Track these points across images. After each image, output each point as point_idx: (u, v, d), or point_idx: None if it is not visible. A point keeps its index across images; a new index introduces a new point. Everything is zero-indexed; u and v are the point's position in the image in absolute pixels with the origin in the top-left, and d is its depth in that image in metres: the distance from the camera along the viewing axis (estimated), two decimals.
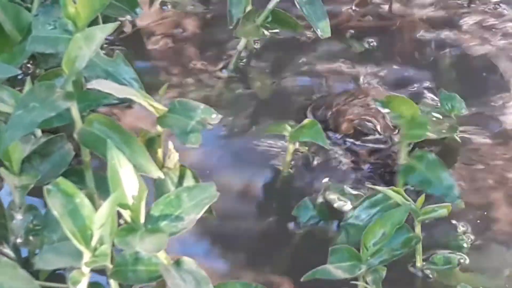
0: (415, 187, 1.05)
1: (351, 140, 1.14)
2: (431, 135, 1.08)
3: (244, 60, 1.27)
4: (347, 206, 1.08)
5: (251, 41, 1.27)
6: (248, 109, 1.22)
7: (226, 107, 1.21)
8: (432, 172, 1.05)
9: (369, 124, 1.14)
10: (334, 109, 1.16)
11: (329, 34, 1.15)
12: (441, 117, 1.11)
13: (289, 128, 1.13)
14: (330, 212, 1.09)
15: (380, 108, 1.07)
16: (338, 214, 1.08)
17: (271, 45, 1.29)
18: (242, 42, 1.24)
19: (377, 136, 1.13)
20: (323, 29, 1.16)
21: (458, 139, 1.15)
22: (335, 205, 1.09)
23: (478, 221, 1.08)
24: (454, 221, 1.08)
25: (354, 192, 1.09)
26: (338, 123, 1.15)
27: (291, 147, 1.12)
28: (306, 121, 1.10)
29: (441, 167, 1.05)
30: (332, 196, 1.09)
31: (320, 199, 1.09)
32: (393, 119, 1.06)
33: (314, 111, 1.18)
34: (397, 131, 1.12)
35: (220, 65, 1.26)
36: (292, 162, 1.14)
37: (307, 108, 1.18)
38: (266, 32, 1.23)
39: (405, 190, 1.01)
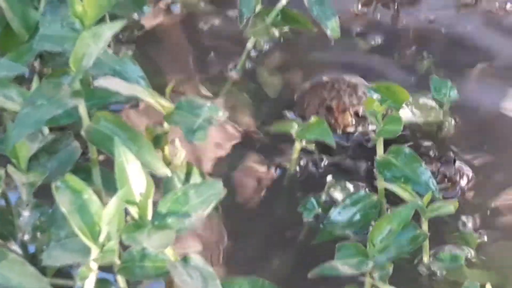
0: (391, 181, 1.04)
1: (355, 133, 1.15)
2: (420, 120, 1.08)
3: (254, 60, 1.27)
4: None
5: (261, 41, 1.27)
6: (255, 107, 1.22)
7: (234, 106, 1.22)
8: (409, 167, 1.05)
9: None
10: (324, 106, 1.16)
11: (339, 34, 1.16)
12: (433, 103, 1.10)
13: (295, 126, 1.13)
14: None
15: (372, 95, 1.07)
16: None
17: (280, 45, 1.29)
18: (251, 41, 1.24)
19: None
20: (333, 28, 1.16)
21: (452, 126, 1.16)
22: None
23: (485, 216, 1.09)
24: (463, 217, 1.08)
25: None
26: (334, 117, 1.16)
27: (297, 145, 1.13)
28: (313, 119, 1.10)
29: (418, 161, 1.04)
30: (337, 194, 1.09)
31: (324, 197, 1.10)
32: (368, 115, 1.05)
33: (299, 109, 1.18)
34: None
35: (230, 65, 1.26)
36: (301, 162, 1.14)
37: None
38: (276, 33, 1.23)
39: None
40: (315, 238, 1.08)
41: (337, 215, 1.06)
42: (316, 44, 1.28)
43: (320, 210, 1.09)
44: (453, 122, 1.18)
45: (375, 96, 1.04)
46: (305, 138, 1.11)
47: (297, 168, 1.14)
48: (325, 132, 1.08)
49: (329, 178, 1.10)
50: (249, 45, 1.25)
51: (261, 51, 1.28)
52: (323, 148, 1.13)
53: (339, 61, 1.26)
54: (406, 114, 1.06)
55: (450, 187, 1.10)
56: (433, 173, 1.05)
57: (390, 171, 1.04)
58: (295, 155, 1.13)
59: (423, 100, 1.07)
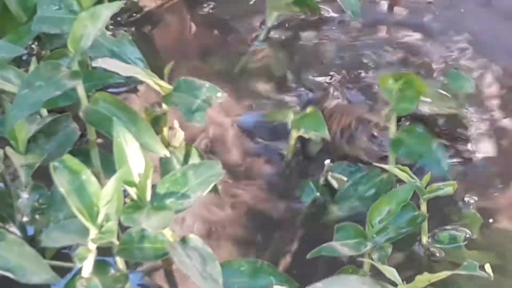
0: (405, 160, 1.05)
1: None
2: (435, 109, 1.08)
3: (263, 36, 1.26)
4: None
5: (274, 16, 1.26)
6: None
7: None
8: (422, 145, 1.05)
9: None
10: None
11: (359, 17, 1.16)
12: (448, 95, 1.10)
13: (291, 116, 1.13)
14: (332, 193, 1.09)
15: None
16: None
17: (287, 23, 1.29)
18: (272, 16, 1.23)
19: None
20: (354, 11, 1.17)
21: (467, 116, 1.16)
22: (338, 186, 1.09)
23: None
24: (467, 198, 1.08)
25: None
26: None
27: (294, 133, 1.12)
28: (309, 109, 1.10)
29: (431, 140, 1.05)
30: (335, 176, 1.09)
31: (322, 180, 1.09)
32: (383, 93, 1.05)
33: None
34: None
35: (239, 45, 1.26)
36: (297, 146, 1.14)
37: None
38: (296, 8, 1.23)
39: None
40: (313, 221, 1.08)
41: (350, 189, 1.06)
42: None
43: (318, 193, 1.09)
44: (468, 113, 1.18)
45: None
46: (300, 129, 1.11)
47: (295, 155, 1.13)
48: (320, 125, 1.08)
49: (327, 161, 1.09)
50: (269, 21, 1.24)
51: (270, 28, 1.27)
52: None
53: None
54: (422, 105, 1.07)
55: (463, 163, 1.11)
56: (446, 148, 1.06)
57: (403, 150, 1.04)
58: (292, 141, 1.12)
59: (438, 91, 1.08)
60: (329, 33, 1.27)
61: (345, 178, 1.09)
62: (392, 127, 1.06)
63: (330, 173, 1.09)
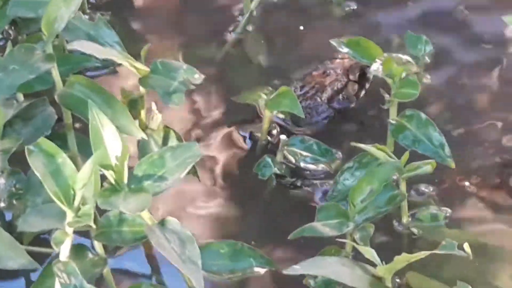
0: (407, 146, 1.04)
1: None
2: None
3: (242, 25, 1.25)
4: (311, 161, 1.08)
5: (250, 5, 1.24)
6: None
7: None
8: (423, 131, 1.04)
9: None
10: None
11: None
12: (409, 58, 1.09)
13: (264, 96, 1.11)
14: (290, 168, 1.09)
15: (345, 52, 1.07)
16: (300, 170, 1.08)
17: (267, 11, 1.27)
18: (255, 1, 1.22)
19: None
20: None
21: (428, 79, 1.16)
22: (302, 164, 1.09)
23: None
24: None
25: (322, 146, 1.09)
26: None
27: (267, 115, 1.10)
28: (281, 89, 1.08)
29: (432, 126, 1.04)
30: (293, 151, 1.08)
31: (279, 156, 1.08)
32: (385, 77, 1.04)
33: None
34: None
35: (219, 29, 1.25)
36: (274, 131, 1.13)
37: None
38: None
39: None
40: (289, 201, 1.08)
41: (346, 179, 1.04)
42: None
43: (277, 169, 1.08)
44: (428, 76, 1.18)
45: (346, 50, 1.03)
46: (274, 109, 1.09)
47: (268, 137, 1.12)
48: (294, 103, 1.07)
49: (283, 137, 1.08)
50: (253, 5, 1.23)
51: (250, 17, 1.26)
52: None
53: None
54: (379, 69, 1.05)
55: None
56: None
57: (404, 135, 1.04)
58: (265, 125, 1.11)
59: (397, 55, 1.06)
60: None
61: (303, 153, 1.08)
62: (393, 111, 1.05)
63: (286, 147, 1.08)
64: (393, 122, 1.05)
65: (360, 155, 1.03)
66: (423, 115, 1.04)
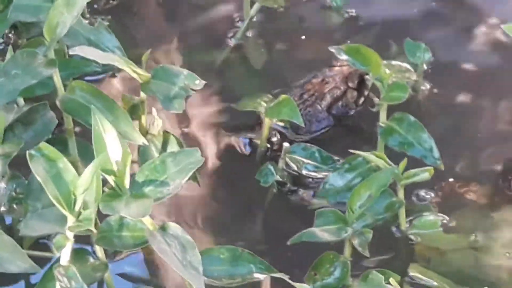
0: (396, 148, 1.04)
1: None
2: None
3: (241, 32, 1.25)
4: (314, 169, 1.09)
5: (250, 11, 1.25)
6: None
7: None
8: (412, 134, 1.05)
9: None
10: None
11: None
12: (408, 66, 1.09)
13: (264, 104, 1.12)
14: (293, 176, 1.09)
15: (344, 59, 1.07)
16: (302, 178, 1.09)
17: (267, 17, 1.28)
18: (255, 7, 1.22)
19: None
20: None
21: (427, 87, 1.17)
22: (304, 172, 1.09)
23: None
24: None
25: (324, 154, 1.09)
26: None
27: (267, 122, 1.10)
28: (281, 97, 1.09)
29: (421, 129, 1.05)
30: (295, 158, 1.08)
31: (281, 164, 1.09)
32: (375, 81, 1.05)
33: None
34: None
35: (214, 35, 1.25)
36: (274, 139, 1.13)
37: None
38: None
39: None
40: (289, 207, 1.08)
41: (336, 179, 1.05)
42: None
43: (279, 177, 1.09)
44: (428, 85, 1.18)
45: (345, 58, 1.04)
46: (273, 117, 1.10)
47: (268, 145, 1.13)
48: (294, 112, 1.07)
49: (286, 144, 1.09)
50: (253, 11, 1.23)
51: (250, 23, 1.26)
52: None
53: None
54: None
55: None
56: None
57: (393, 138, 1.04)
58: (265, 132, 1.11)
59: (396, 62, 1.07)
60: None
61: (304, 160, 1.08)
62: (383, 115, 1.05)
63: (288, 155, 1.08)
64: (383, 125, 1.05)
65: (351, 157, 1.04)
66: (412, 118, 1.05)
